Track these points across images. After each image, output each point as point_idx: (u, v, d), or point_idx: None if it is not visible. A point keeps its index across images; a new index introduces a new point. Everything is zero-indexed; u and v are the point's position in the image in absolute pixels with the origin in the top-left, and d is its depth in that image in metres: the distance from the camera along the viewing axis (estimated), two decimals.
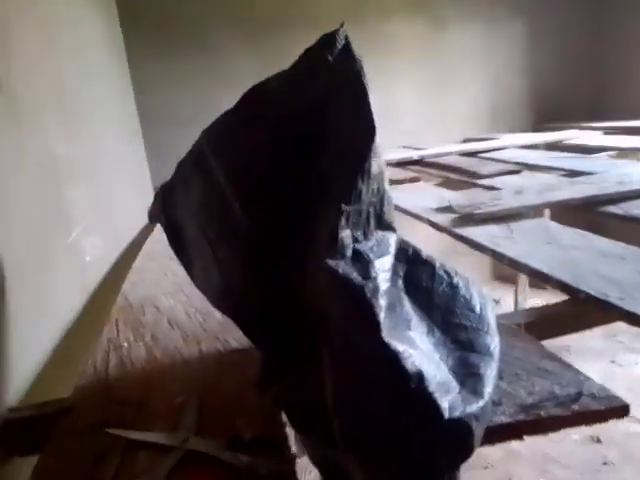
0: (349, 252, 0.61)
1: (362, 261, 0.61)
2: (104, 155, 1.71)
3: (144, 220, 2.14)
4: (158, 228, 0.92)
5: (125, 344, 0.89)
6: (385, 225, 0.67)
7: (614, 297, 0.89)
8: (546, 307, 0.95)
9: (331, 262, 0.58)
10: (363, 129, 0.60)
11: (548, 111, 4.09)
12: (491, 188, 1.95)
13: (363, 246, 0.63)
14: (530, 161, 2.33)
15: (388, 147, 3.81)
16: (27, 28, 1.12)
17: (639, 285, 0.93)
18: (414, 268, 0.77)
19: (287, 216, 0.64)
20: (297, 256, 0.64)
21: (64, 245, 1.15)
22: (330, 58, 0.59)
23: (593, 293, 0.91)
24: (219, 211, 0.67)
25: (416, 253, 0.79)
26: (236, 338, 0.86)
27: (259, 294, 0.66)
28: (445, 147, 3.02)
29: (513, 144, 2.87)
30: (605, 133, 2.95)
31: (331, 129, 0.61)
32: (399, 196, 1.97)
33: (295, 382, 0.61)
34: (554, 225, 1.39)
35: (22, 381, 0.87)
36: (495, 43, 4.01)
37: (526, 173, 2.15)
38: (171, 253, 0.79)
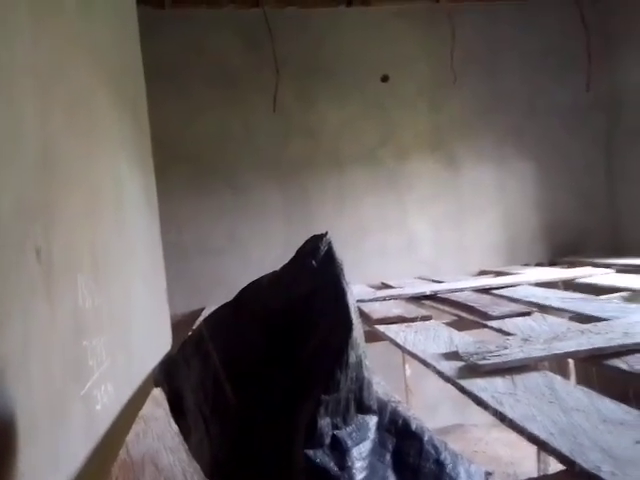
0: (327, 440, 0.65)
1: (340, 449, 0.65)
2: (127, 302, 1.82)
3: (158, 357, 2.20)
4: None
5: None
6: (365, 409, 0.71)
7: (606, 472, 0.88)
8: (544, 477, 0.94)
9: (309, 451, 0.62)
10: (341, 325, 0.67)
11: (564, 244, 4.18)
12: (500, 331, 1.97)
13: (342, 433, 0.67)
14: (542, 301, 2.37)
15: (404, 277, 3.91)
16: (68, 203, 1.29)
17: (633, 458, 0.93)
18: (403, 442, 0.80)
19: (272, 399, 0.69)
20: (281, 438, 0.69)
21: (78, 395, 1.21)
22: (314, 263, 0.69)
23: (586, 467, 0.91)
24: (213, 390, 0.73)
25: (406, 424, 0.82)
26: None
27: (243, 472, 0.70)
28: (459, 282, 3.09)
29: (526, 281, 2.92)
30: (618, 271, 2.99)
31: (313, 324, 0.68)
32: (409, 337, 2.01)
33: None
34: (559, 381, 1.39)
35: None
36: (506, 179, 4.24)
37: (537, 315, 2.17)
38: None
